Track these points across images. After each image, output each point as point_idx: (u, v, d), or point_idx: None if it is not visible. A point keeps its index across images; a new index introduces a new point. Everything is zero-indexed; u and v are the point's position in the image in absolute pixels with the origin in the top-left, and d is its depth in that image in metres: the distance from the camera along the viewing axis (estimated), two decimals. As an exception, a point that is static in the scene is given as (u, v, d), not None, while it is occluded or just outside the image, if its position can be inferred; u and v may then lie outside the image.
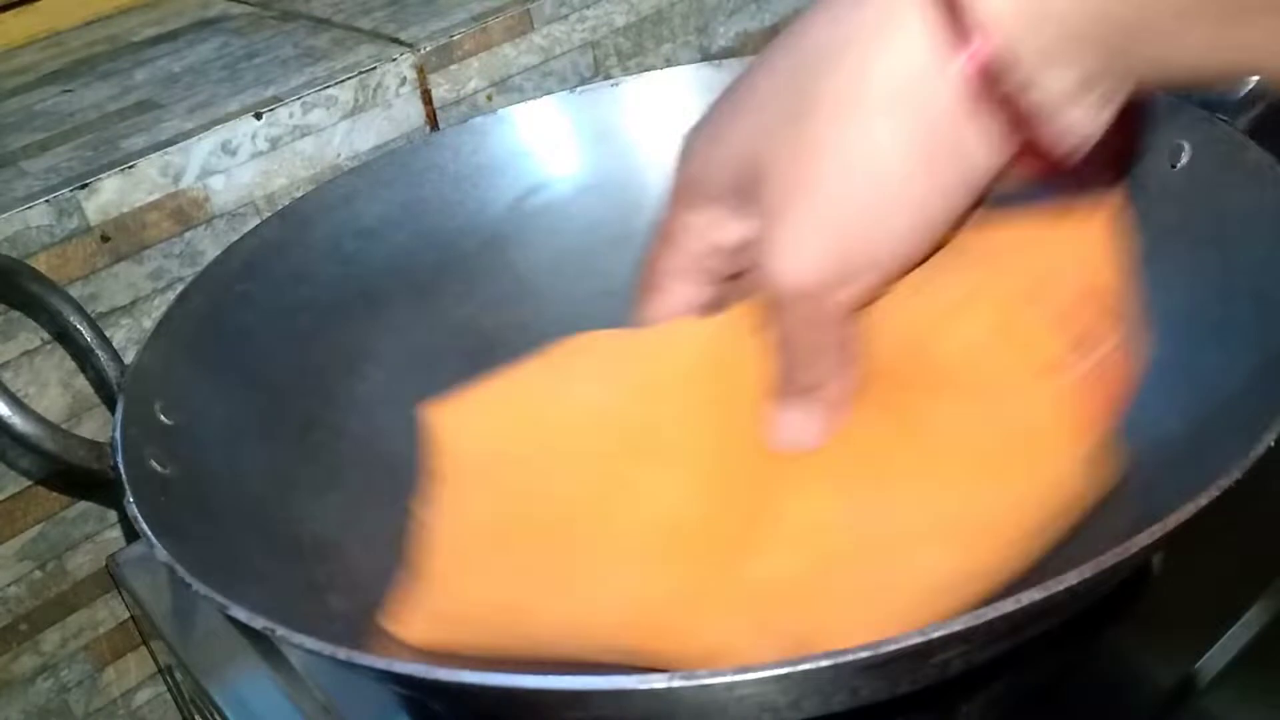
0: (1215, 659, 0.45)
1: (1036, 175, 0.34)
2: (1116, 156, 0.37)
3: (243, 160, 0.63)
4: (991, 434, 0.39)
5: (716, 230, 0.38)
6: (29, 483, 0.60)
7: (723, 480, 0.39)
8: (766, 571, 0.39)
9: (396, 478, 0.54)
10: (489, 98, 0.71)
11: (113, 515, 0.64)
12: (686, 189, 0.39)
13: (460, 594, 0.42)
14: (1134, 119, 0.36)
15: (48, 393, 0.59)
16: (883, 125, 0.32)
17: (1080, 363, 0.38)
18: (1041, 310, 0.38)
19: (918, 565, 0.38)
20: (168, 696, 0.69)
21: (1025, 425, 0.39)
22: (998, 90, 0.31)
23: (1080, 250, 0.40)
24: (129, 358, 0.50)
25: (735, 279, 0.40)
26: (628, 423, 0.39)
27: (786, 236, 0.34)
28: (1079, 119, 0.33)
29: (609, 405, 0.40)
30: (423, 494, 0.43)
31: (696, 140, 0.38)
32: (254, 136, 0.63)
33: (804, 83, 0.33)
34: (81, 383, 0.60)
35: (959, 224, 0.35)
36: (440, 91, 0.69)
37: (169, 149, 0.60)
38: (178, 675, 0.59)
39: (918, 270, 0.38)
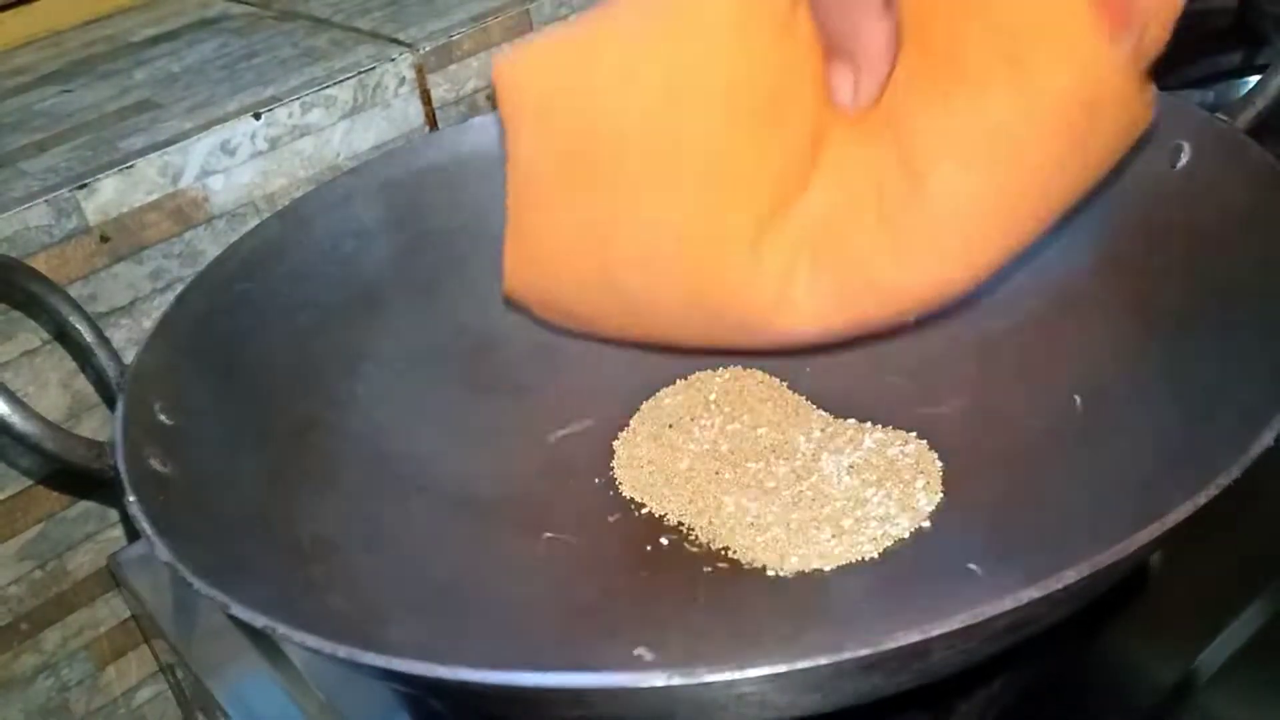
0: (1214, 657, 0.45)
1: None
2: None
3: (242, 160, 0.63)
4: (1004, 44, 0.39)
5: None
6: (29, 482, 0.60)
7: (767, 116, 0.41)
8: (815, 210, 0.41)
9: (396, 478, 0.54)
10: (488, 98, 0.71)
11: (113, 515, 0.64)
12: None
13: (544, 232, 0.45)
14: None
15: (47, 392, 0.59)
16: None
17: None
18: None
19: (949, 186, 0.40)
20: (169, 695, 0.69)
21: (1041, 20, 0.39)
22: None
23: None
24: (128, 358, 0.50)
25: None
26: (686, 69, 0.41)
27: None
28: None
29: (670, 53, 0.41)
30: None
31: None
32: (253, 136, 0.63)
33: None
34: (81, 382, 0.60)
35: None
36: (439, 91, 0.69)
37: (168, 149, 0.60)
38: (179, 674, 0.59)
39: None
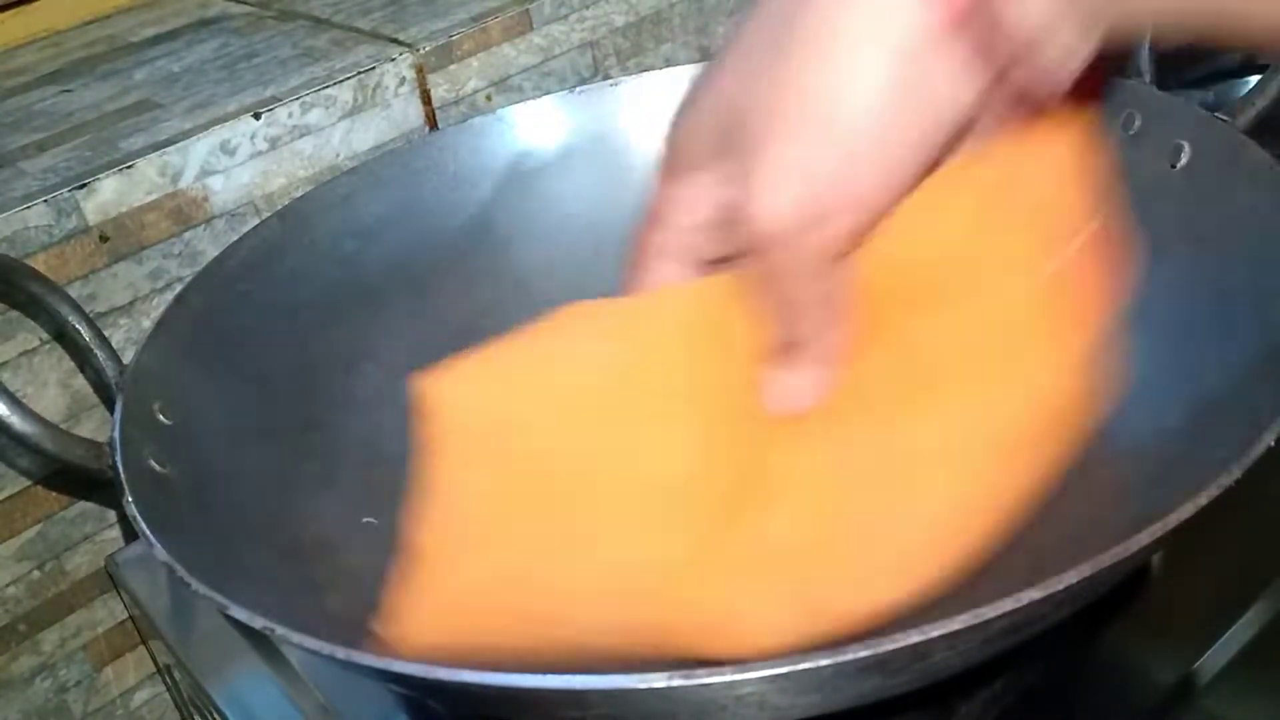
0: (1215, 658, 0.45)
1: (1011, 115, 0.34)
2: (1085, 95, 0.36)
3: (242, 160, 0.63)
4: (979, 343, 0.38)
5: (701, 199, 0.38)
6: (28, 483, 0.60)
7: (720, 439, 0.39)
8: (771, 531, 0.39)
9: (396, 478, 0.54)
10: (488, 98, 0.71)
11: (111, 515, 0.64)
12: (671, 161, 0.39)
13: (460, 573, 0.41)
14: (1100, 67, 0.35)
15: (46, 393, 0.59)
16: (859, 58, 0.31)
17: (1061, 252, 0.38)
18: (1016, 199, 0.37)
19: (921, 501, 0.38)
20: (166, 696, 0.69)
21: (1013, 326, 0.38)
22: (974, 21, 0.30)
23: (1053, 150, 0.39)
24: (128, 358, 0.50)
25: (720, 262, 0.39)
26: (622, 386, 0.39)
27: (764, 174, 0.33)
28: (1055, 53, 0.32)
29: (602, 369, 0.39)
30: (415, 474, 0.42)
31: (679, 114, 0.38)
32: (253, 136, 0.63)
33: (781, 29, 0.33)
34: (80, 383, 0.60)
35: (935, 165, 0.34)
36: (439, 91, 0.69)
37: (168, 149, 0.60)
38: (177, 675, 0.59)
39: None
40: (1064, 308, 0.38)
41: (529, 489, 0.39)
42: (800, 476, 0.39)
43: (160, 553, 0.39)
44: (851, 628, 0.38)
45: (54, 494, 0.62)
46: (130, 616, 0.66)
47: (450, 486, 0.41)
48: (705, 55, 0.81)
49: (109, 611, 0.66)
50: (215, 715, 0.52)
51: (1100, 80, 0.36)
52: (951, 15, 0.30)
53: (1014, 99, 0.33)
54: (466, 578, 0.41)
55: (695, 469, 0.38)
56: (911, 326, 0.39)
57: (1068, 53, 0.32)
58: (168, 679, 0.66)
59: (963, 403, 0.38)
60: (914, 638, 0.30)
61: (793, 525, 0.39)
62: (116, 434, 0.45)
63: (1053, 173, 0.39)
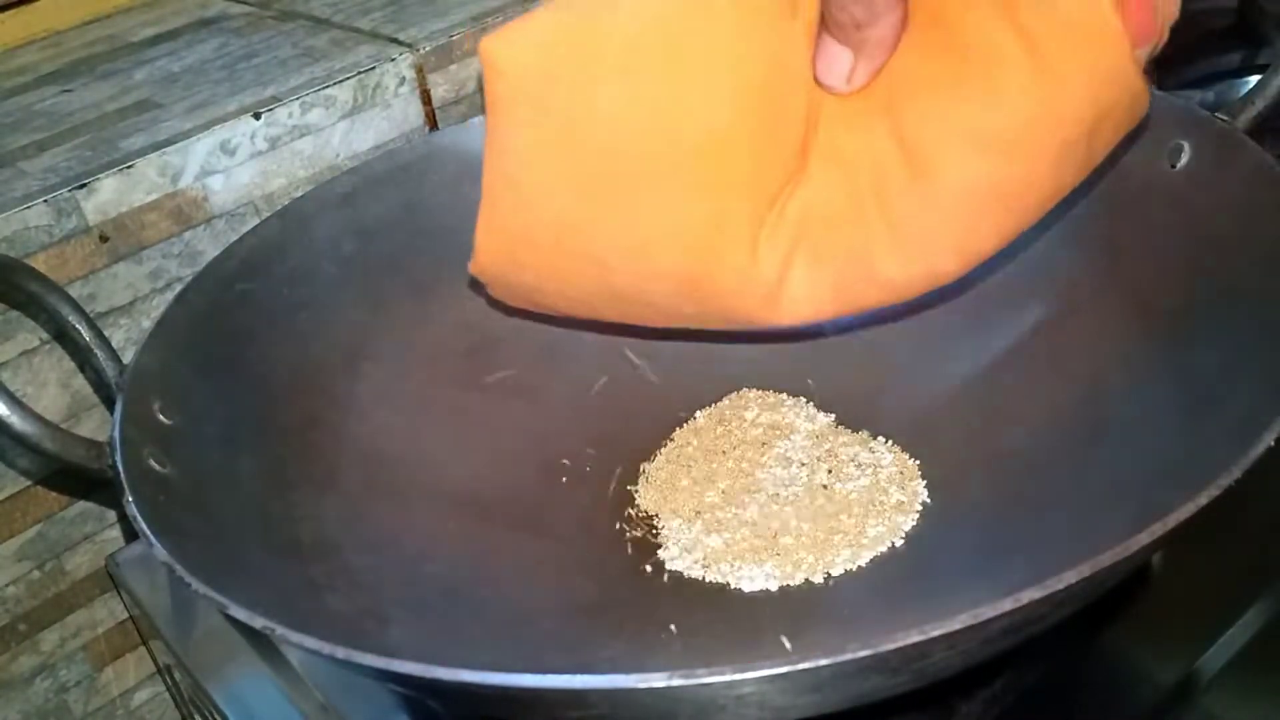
0: (1215, 659, 0.45)
1: None
2: None
3: (241, 160, 0.63)
4: (1033, 33, 0.39)
5: None
6: (28, 483, 0.60)
7: (768, 103, 0.40)
8: (811, 200, 0.40)
9: (396, 478, 0.54)
10: (488, 97, 0.71)
11: (111, 515, 0.64)
12: None
13: (524, 215, 0.44)
14: None
15: (46, 392, 0.59)
16: None
17: None
18: None
19: (951, 174, 0.39)
20: (167, 696, 0.69)
21: (1069, 22, 0.39)
22: None
23: None
24: (128, 358, 0.50)
25: None
26: (676, 42, 0.40)
27: None
28: None
29: (657, 23, 0.40)
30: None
31: None
32: (253, 136, 0.63)
33: None
34: (80, 382, 0.60)
35: None
36: (439, 91, 0.69)
37: (168, 149, 0.60)
38: (177, 675, 0.59)
39: None
40: (1119, 10, 0.39)
41: (592, 149, 0.42)
42: (840, 149, 0.41)
43: (160, 552, 0.39)
44: (878, 300, 0.42)
45: (54, 494, 0.62)
46: (130, 616, 0.66)
47: (512, 140, 0.43)
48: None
49: (109, 611, 0.66)
50: (215, 715, 0.52)
51: None
52: None
53: None
54: (530, 220, 0.44)
55: (742, 131, 0.40)
56: (956, 13, 0.40)
57: None
58: (168, 679, 0.67)
59: (1007, 90, 0.39)
60: (914, 637, 0.30)
61: (829, 196, 0.41)
62: (116, 433, 0.45)
63: None
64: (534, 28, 0.42)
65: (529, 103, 0.42)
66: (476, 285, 0.59)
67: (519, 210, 0.44)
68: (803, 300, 0.42)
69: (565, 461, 0.57)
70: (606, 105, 0.41)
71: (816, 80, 0.41)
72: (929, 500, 0.51)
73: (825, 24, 0.40)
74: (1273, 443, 0.35)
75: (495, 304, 0.58)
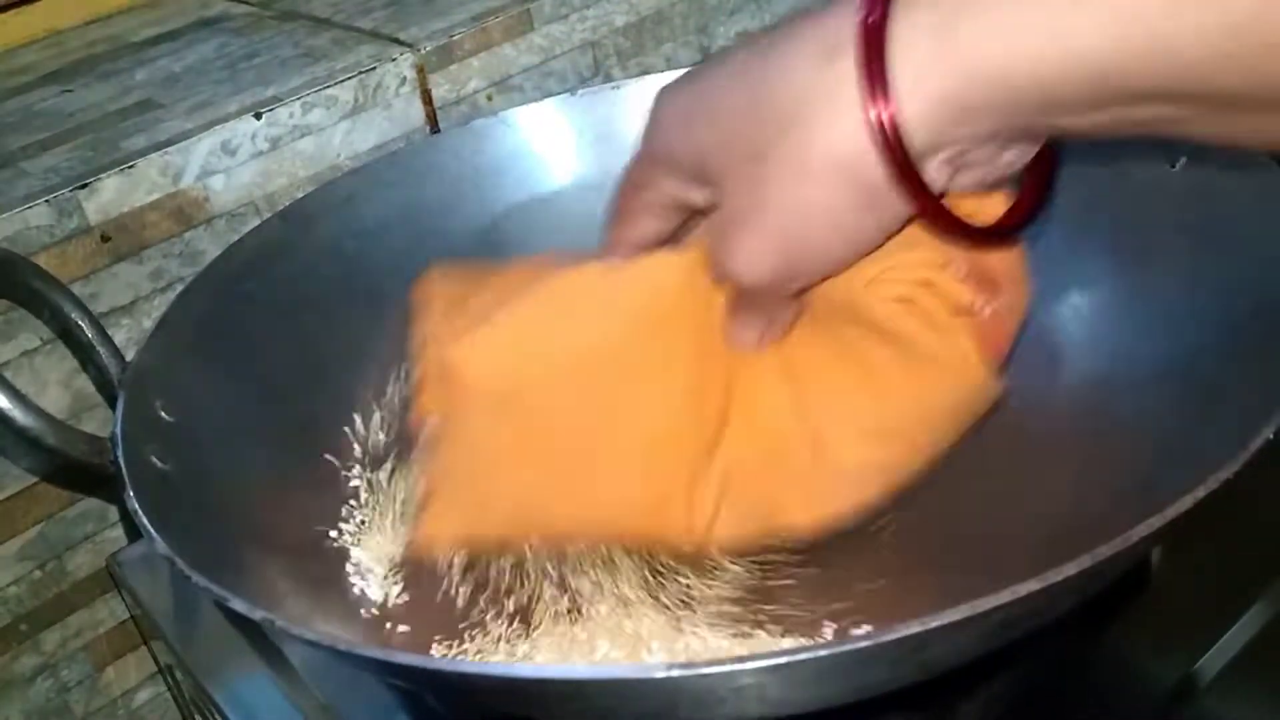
0: (1215, 659, 0.45)
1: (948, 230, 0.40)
2: (1030, 203, 0.43)
3: (243, 160, 0.63)
4: (913, 355, 0.45)
5: (680, 192, 0.44)
6: (29, 482, 0.61)
7: (698, 392, 0.45)
8: (731, 460, 0.45)
9: (396, 477, 0.54)
10: (489, 98, 0.71)
11: (113, 515, 0.64)
12: (656, 154, 0.44)
13: (483, 498, 0.47)
14: (1044, 168, 0.41)
15: (49, 391, 0.59)
16: (829, 189, 0.38)
17: (984, 308, 0.45)
18: (952, 272, 0.45)
19: (847, 456, 0.45)
20: (168, 696, 0.69)
21: (942, 350, 0.45)
22: (902, 162, 0.36)
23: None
24: (129, 358, 0.50)
25: (692, 218, 0.46)
26: (620, 353, 0.45)
27: (744, 245, 0.40)
28: (990, 171, 0.39)
29: (603, 338, 0.45)
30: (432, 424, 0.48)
31: (669, 111, 0.43)
32: (254, 136, 0.63)
33: (760, 135, 0.39)
34: (82, 381, 0.60)
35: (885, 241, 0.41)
36: (440, 91, 0.69)
37: (169, 149, 0.60)
38: (178, 675, 0.59)
39: None
40: (979, 342, 0.46)
41: (540, 439, 0.46)
42: (757, 421, 0.46)
43: (161, 546, 0.39)
44: (790, 536, 0.46)
45: (55, 494, 0.62)
46: (131, 616, 0.66)
47: (474, 439, 0.47)
48: (706, 55, 0.81)
49: (110, 611, 0.66)
50: (216, 715, 0.52)
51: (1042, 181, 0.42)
52: (886, 154, 0.36)
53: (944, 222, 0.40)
54: (485, 505, 0.47)
55: (678, 419, 0.45)
56: (862, 338, 0.46)
57: (986, 172, 0.39)
58: (169, 679, 0.67)
59: (890, 395, 0.45)
60: (913, 629, 0.30)
61: (747, 457, 0.46)
62: (118, 429, 0.45)
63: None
64: (499, 339, 0.45)
65: (492, 408, 0.46)
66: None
67: (475, 497, 0.47)
68: (725, 540, 0.47)
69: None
70: (563, 407, 0.45)
71: (731, 343, 0.45)
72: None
73: (735, 303, 0.44)
74: (1272, 436, 0.35)
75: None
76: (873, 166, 0.36)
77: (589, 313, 0.46)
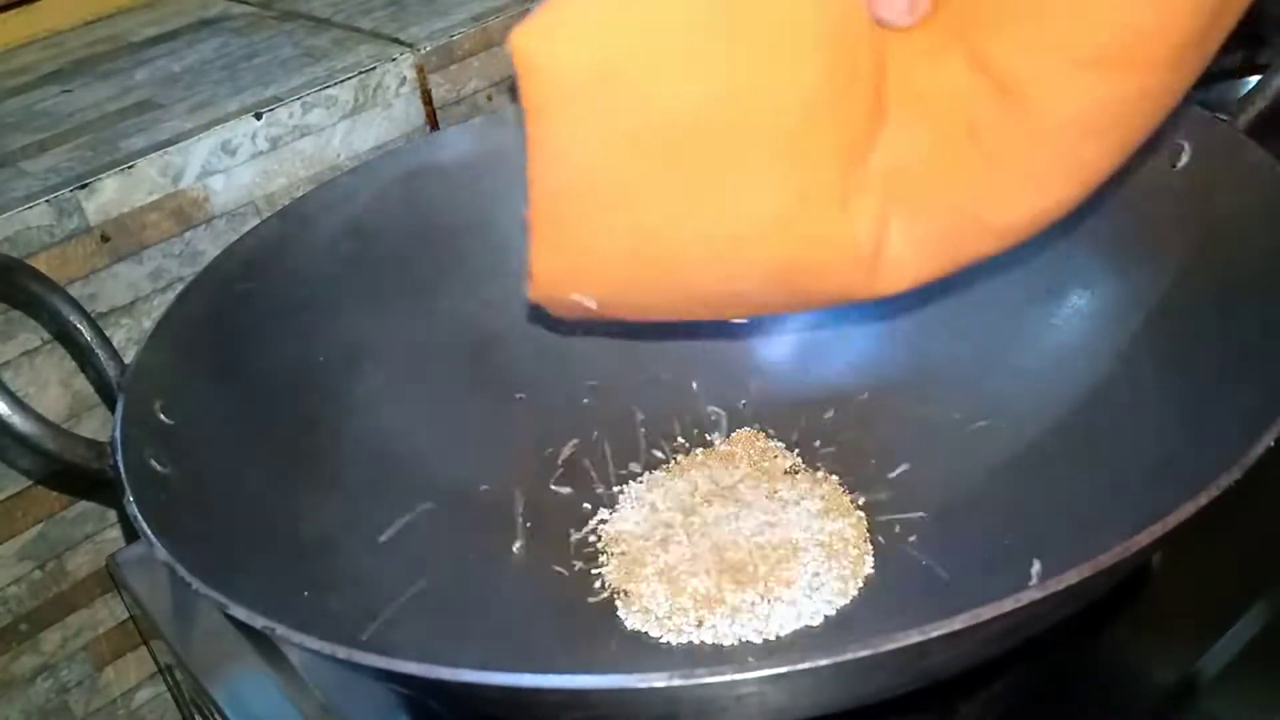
0: (1215, 659, 0.45)
1: None
2: None
3: (242, 160, 0.63)
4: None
5: None
6: (29, 483, 0.61)
7: (839, 57, 0.37)
8: (895, 150, 0.38)
9: (396, 478, 0.54)
10: (489, 98, 0.71)
11: (112, 515, 0.64)
12: None
13: (587, 234, 0.40)
14: None
15: (48, 392, 0.59)
16: None
17: None
18: None
19: (1060, 105, 0.37)
20: (167, 696, 0.69)
21: None
22: None
23: None
24: (129, 358, 0.50)
25: None
26: (737, 10, 0.36)
27: None
28: None
29: (716, 6, 0.37)
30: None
31: None
32: (254, 136, 0.63)
33: None
34: (81, 382, 0.60)
35: None
36: (440, 91, 0.69)
37: (169, 149, 0.60)
38: (178, 675, 0.59)
39: None
40: None
41: (649, 139, 0.38)
42: (913, 92, 0.38)
43: (160, 552, 0.39)
44: (989, 250, 0.39)
45: (55, 494, 0.62)
46: (131, 616, 0.66)
47: (565, 148, 0.39)
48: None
49: (110, 611, 0.66)
50: (216, 715, 0.52)
51: None
52: None
53: None
54: (598, 234, 0.40)
55: (826, 103, 0.37)
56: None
57: None
58: (169, 679, 0.66)
59: (1096, 10, 0.36)
60: (914, 638, 0.30)
61: (913, 144, 0.38)
62: (117, 433, 0.45)
63: None
64: (572, 15, 0.37)
65: (580, 103, 0.38)
66: (476, 285, 0.59)
67: (584, 225, 0.40)
68: (905, 264, 0.39)
69: (564, 460, 0.57)
70: (671, 92, 0.37)
71: (876, 19, 0.38)
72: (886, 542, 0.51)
73: None
74: (1272, 443, 0.35)
75: (495, 304, 0.58)
76: None
77: None
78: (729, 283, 0.40)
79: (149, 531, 0.40)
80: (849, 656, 0.30)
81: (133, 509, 0.41)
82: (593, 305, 0.42)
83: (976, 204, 0.38)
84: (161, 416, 0.48)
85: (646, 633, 0.48)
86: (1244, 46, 0.82)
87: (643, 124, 0.37)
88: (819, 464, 0.56)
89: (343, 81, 0.65)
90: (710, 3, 0.36)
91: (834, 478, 0.55)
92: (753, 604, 0.48)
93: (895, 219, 0.38)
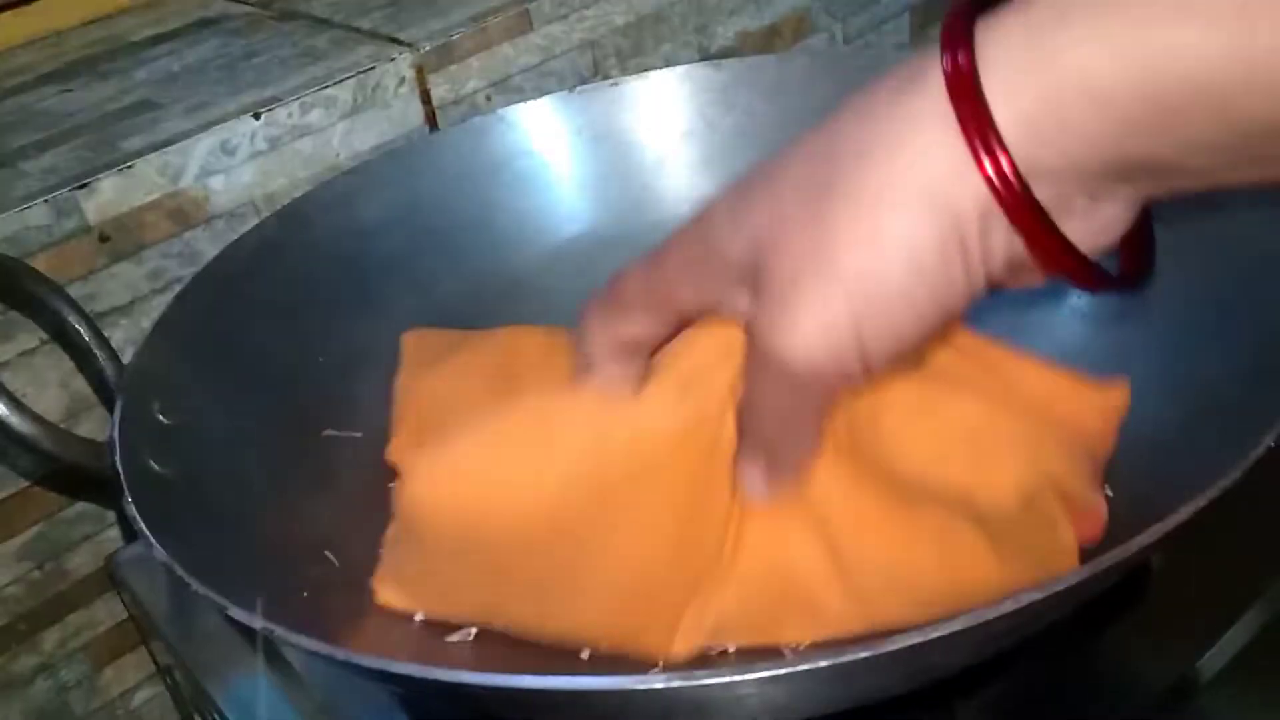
0: (1214, 659, 0.45)
1: (1053, 274, 0.35)
2: (1131, 263, 0.38)
3: (241, 160, 0.62)
4: (990, 523, 0.41)
5: (713, 293, 0.39)
6: (28, 483, 0.60)
7: (691, 523, 0.41)
8: (733, 598, 0.41)
9: (395, 478, 0.54)
10: (488, 98, 0.71)
11: (111, 515, 0.64)
12: (690, 250, 0.39)
13: (437, 583, 0.45)
14: (1144, 228, 0.37)
15: (46, 393, 0.59)
16: (911, 216, 0.32)
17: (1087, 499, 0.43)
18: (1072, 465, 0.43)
19: (891, 621, 0.38)
20: (166, 697, 0.69)
21: (1033, 534, 0.42)
22: (1014, 199, 0.31)
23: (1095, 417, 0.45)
24: (127, 358, 0.50)
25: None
26: (601, 494, 0.41)
27: (804, 313, 0.34)
28: (1089, 228, 0.33)
29: (585, 476, 0.41)
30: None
31: (717, 208, 0.38)
32: (253, 136, 0.63)
33: (828, 174, 0.34)
34: (80, 383, 0.60)
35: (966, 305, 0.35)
36: (439, 92, 0.69)
37: (168, 149, 0.60)
38: (177, 675, 0.59)
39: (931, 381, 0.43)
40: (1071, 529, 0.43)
41: (502, 557, 0.43)
42: (754, 558, 0.41)
43: (159, 553, 0.39)
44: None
45: (53, 494, 0.62)
46: (130, 616, 0.66)
47: (426, 536, 0.45)
48: (705, 55, 0.81)
49: (109, 611, 0.66)
50: (215, 715, 0.52)
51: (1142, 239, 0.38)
52: (992, 190, 0.31)
53: (1053, 265, 0.34)
54: (437, 584, 0.45)
55: (665, 554, 0.41)
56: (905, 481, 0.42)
57: (1100, 228, 0.33)
58: (168, 679, 0.66)
59: (946, 571, 0.41)
60: (913, 639, 0.30)
61: (742, 602, 0.41)
62: (116, 434, 0.45)
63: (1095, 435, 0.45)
64: (464, 462, 0.43)
65: (451, 529, 0.43)
66: (475, 286, 0.60)
67: (428, 580, 0.45)
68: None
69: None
70: (533, 539, 0.42)
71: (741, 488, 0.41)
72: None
73: (743, 437, 0.40)
74: (1272, 443, 0.35)
75: (494, 304, 0.58)
76: (966, 190, 0.31)
77: (571, 447, 0.42)
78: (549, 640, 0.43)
79: (148, 532, 0.40)
80: (848, 658, 0.30)
81: (131, 509, 0.41)
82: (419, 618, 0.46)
83: (778, 624, 0.41)
84: (160, 417, 0.48)
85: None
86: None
87: (500, 551, 0.43)
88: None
89: (342, 81, 0.65)
90: (577, 482, 0.42)
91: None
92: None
93: (714, 642, 0.42)
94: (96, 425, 0.61)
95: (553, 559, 0.42)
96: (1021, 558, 0.41)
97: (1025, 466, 0.43)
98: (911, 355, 0.36)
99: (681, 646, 0.41)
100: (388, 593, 0.46)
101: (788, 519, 0.41)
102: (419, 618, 0.46)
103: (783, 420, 0.38)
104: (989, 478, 0.43)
